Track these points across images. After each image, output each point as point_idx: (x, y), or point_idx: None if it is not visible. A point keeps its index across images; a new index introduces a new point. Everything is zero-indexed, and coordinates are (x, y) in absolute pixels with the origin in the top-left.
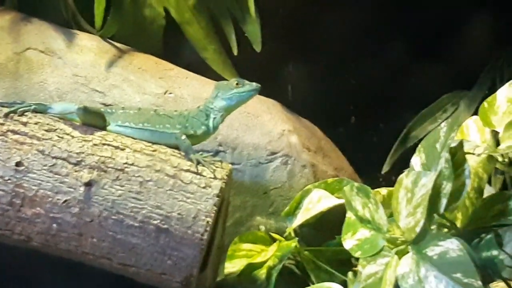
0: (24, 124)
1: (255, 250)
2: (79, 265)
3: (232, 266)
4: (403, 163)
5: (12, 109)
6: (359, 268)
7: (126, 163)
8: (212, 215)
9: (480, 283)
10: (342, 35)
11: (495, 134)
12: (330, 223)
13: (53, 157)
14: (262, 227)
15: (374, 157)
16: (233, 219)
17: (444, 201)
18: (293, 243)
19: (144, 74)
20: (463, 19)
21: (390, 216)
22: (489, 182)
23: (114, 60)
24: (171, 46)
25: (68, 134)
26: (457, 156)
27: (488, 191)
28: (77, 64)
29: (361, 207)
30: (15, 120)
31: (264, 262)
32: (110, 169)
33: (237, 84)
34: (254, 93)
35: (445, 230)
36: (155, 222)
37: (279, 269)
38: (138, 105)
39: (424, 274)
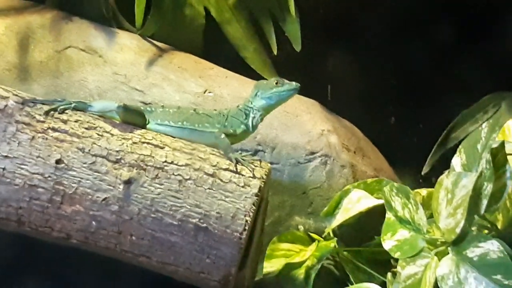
0: (65, 122)
1: (294, 250)
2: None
3: (271, 266)
4: (443, 164)
5: (53, 107)
6: (398, 269)
7: (165, 162)
8: (251, 214)
9: None
10: (382, 35)
11: None
12: (369, 223)
13: (93, 155)
14: (301, 227)
15: (414, 157)
16: (272, 218)
17: (484, 202)
18: (332, 243)
19: (184, 73)
20: (505, 19)
21: (430, 217)
22: None
23: (154, 58)
24: (211, 45)
25: (108, 132)
26: (498, 157)
27: None
28: (117, 62)
29: (400, 207)
30: (56, 118)
31: (303, 262)
32: (149, 167)
33: (276, 83)
34: (294, 92)
35: (486, 231)
36: (194, 220)
37: (318, 269)
38: (177, 103)
39: (464, 276)
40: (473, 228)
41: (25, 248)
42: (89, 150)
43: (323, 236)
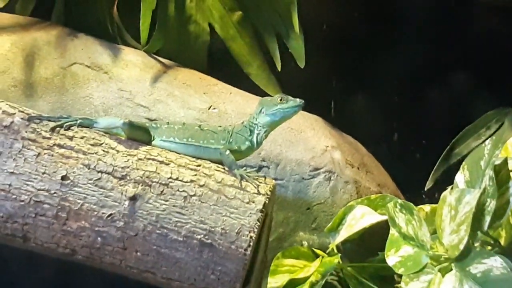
0: (70, 138)
1: (298, 265)
2: None
3: (275, 282)
4: (446, 180)
5: (59, 123)
6: (402, 285)
7: (170, 178)
8: (256, 230)
9: None
10: (385, 51)
11: None
12: (373, 239)
13: (99, 171)
14: (305, 243)
15: (417, 173)
16: (276, 234)
17: (488, 219)
18: (336, 259)
19: (189, 89)
20: (508, 34)
21: (434, 233)
22: None
23: (159, 75)
24: (216, 62)
25: (113, 149)
26: (502, 173)
27: None
28: (122, 79)
29: (404, 224)
30: (61, 134)
31: (307, 277)
32: (154, 183)
33: (281, 100)
34: (298, 109)
35: (489, 247)
36: (199, 236)
37: (322, 285)
38: (182, 120)
39: None
40: (476, 245)
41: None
42: (95, 167)
43: (327, 252)
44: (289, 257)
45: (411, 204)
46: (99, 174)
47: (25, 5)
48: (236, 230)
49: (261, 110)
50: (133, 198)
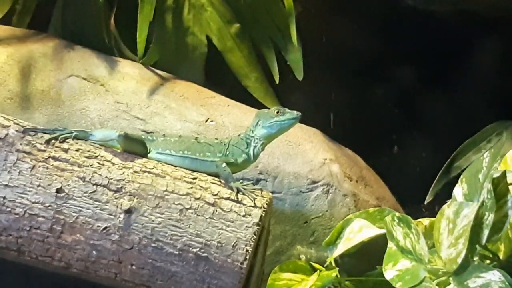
0: (65, 150)
1: (295, 279)
2: None
3: None
4: (446, 193)
5: (54, 135)
6: None
7: (166, 191)
8: (252, 243)
9: None
10: (386, 64)
11: None
12: (371, 253)
13: (94, 184)
14: (303, 257)
15: (416, 187)
16: (274, 248)
17: (486, 232)
18: (334, 273)
19: (186, 102)
20: (508, 47)
21: (432, 247)
22: None
23: (155, 87)
24: (213, 74)
25: (109, 161)
26: (500, 187)
27: None
28: (119, 91)
29: (402, 237)
30: (57, 147)
31: None
32: (150, 196)
33: (277, 112)
34: (295, 121)
35: (487, 261)
36: (194, 250)
37: None
38: (179, 132)
39: None
40: (474, 258)
41: None
42: (90, 179)
43: (325, 265)
44: (286, 271)
45: (409, 217)
46: (94, 186)
47: (22, 17)
48: (232, 244)
49: (257, 122)
50: (129, 211)
